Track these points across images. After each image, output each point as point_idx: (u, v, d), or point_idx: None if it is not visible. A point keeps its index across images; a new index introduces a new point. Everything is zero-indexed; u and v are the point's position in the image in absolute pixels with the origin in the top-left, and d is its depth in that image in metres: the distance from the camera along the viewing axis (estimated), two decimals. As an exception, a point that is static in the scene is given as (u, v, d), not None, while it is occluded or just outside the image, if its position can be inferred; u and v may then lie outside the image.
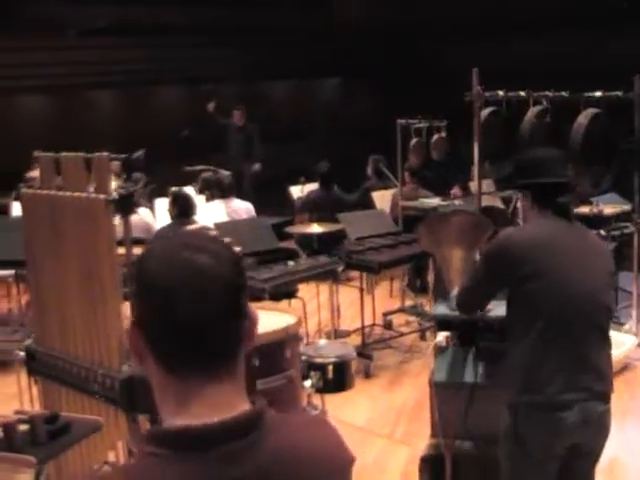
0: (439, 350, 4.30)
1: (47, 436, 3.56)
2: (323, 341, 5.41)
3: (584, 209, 8.50)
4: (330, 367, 4.88)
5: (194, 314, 1.47)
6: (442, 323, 4.32)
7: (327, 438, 1.66)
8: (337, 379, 4.92)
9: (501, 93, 6.49)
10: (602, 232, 6.96)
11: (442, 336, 4.23)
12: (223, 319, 1.50)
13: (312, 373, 4.81)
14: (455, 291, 4.44)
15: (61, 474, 4.35)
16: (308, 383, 4.76)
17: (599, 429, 3.50)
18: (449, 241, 4.43)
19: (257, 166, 13.98)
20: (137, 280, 1.52)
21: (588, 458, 3.56)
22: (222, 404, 1.50)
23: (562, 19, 16.31)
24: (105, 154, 4.24)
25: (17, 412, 3.83)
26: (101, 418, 3.93)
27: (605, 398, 3.51)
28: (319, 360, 4.91)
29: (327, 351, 5.02)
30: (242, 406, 1.52)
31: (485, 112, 6.59)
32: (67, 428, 3.66)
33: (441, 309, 4.42)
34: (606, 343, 3.55)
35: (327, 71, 23.27)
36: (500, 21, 17.27)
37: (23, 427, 3.59)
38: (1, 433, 3.52)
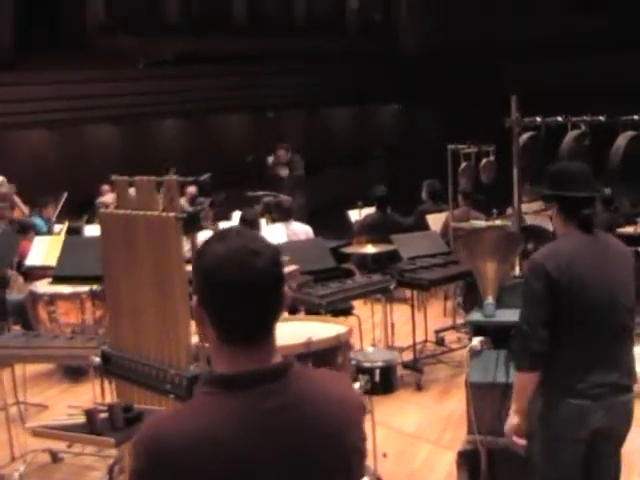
0: (474, 353, 4.71)
1: (124, 422, 4.08)
2: (371, 348, 5.84)
3: (628, 229, 8.80)
4: (377, 371, 5.32)
5: (241, 306, 1.98)
6: (477, 328, 4.76)
7: (343, 386, 2.18)
8: (384, 382, 5.36)
9: (539, 119, 6.91)
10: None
11: (477, 340, 4.66)
12: (263, 307, 2.02)
13: (361, 376, 5.24)
14: (489, 299, 4.88)
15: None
16: (357, 385, 5.18)
17: (622, 416, 3.90)
18: (483, 254, 4.86)
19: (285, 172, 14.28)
20: (200, 271, 2.03)
21: (612, 441, 3.95)
22: (259, 360, 2.03)
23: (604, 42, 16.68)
24: (174, 177, 4.77)
25: (95, 403, 4.35)
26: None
27: (629, 389, 3.92)
28: (367, 364, 5.36)
29: (375, 356, 5.47)
30: (275, 360, 2.05)
31: (524, 137, 6.99)
32: (141, 416, 4.17)
33: (476, 316, 4.87)
34: (628, 341, 3.96)
35: (387, 98, 23.70)
36: (554, 46, 17.65)
37: (103, 414, 4.11)
38: (84, 418, 4.03)
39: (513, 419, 3.93)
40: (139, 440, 1.98)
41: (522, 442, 3.93)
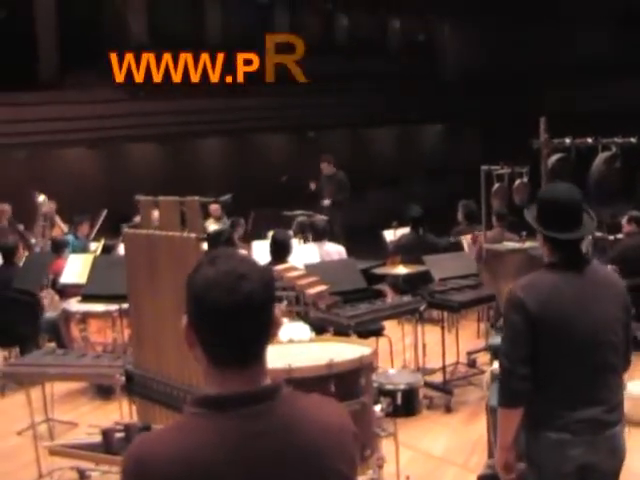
0: (494, 377, 4.68)
1: (139, 442, 4.09)
2: (393, 370, 5.81)
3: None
4: (399, 393, 5.29)
5: (229, 329, 2.00)
6: (497, 352, 4.71)
7: (333, 411, 2.16)
8: (406, 405, 5.33)
9: (568, 140, 6.84)
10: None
11: (497, 364, 4.61)
12: (253, 329, 2.03)
13: (382, 398, 5.22)
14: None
15: None
16: (378, 408, 5.16)
17: (608, 451, 3.76)
18: (505, 277, 4.83)
19: (327, 202, 14.31)
20: (191, 293, 2.04)
21: (604, 477, 3.79)
22: (247, 382, 2.03)
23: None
24: (196, 198, 4.80)
25: (116, 423, 4.38)
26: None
27: (614, 424, 3.78)
28: (389, 387, 5.33)
29: (397, 379, 5.44)
30: (264, 382, 2.05)
31: (552, 159, 6.93)
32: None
33: (496, 340, 4.83)
34: (615, 377, 3.82)
35: (429, 118, 23.68)
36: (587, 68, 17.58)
37: (120, 434, 4.14)
38: (101, 438, 4.06)
39: (499, 454, 3.85)
40: (125, 459, 2.01)
41: (510, 477, 3.86)
